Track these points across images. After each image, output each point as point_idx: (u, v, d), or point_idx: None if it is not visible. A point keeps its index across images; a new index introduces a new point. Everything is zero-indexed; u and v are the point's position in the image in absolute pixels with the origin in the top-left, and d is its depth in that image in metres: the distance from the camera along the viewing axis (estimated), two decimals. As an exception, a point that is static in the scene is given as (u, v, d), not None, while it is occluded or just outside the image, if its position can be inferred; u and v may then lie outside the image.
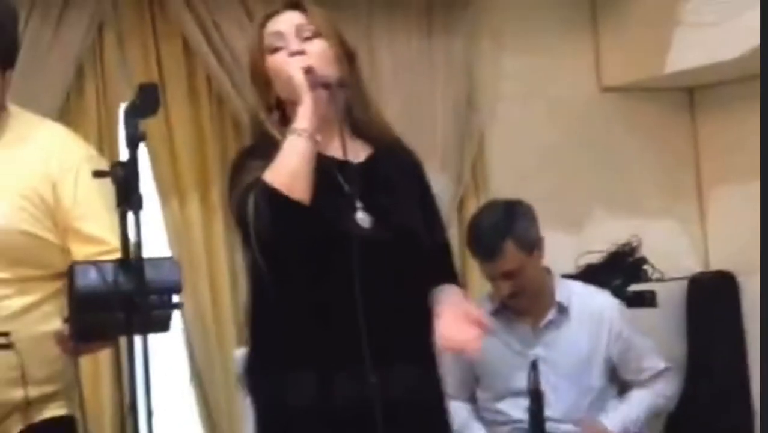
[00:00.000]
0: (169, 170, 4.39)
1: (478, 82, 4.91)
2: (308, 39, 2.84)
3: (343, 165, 2.84)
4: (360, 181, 2.84)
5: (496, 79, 4.97)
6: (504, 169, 4.91)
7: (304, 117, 2.75)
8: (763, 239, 1.65)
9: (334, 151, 2.84)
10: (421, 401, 2.83)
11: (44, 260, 2.88)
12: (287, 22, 2.88)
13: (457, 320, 2.76)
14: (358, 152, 2.89)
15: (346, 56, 2.90)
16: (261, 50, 2.89)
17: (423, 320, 2.83)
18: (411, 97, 4.74)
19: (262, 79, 2.89)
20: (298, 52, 2.82)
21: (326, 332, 2.76)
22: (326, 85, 2.79)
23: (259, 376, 2.90)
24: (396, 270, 2.79)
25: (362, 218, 2.80)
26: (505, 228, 3.98)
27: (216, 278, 4.40)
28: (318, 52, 2.83)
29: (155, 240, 4.33)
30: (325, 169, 2.80)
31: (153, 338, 2.42)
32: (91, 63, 4.32)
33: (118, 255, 2.40)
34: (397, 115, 4.58)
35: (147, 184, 4.36)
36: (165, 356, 4.42)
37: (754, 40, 4.67)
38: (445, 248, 3.02)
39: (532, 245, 4.02)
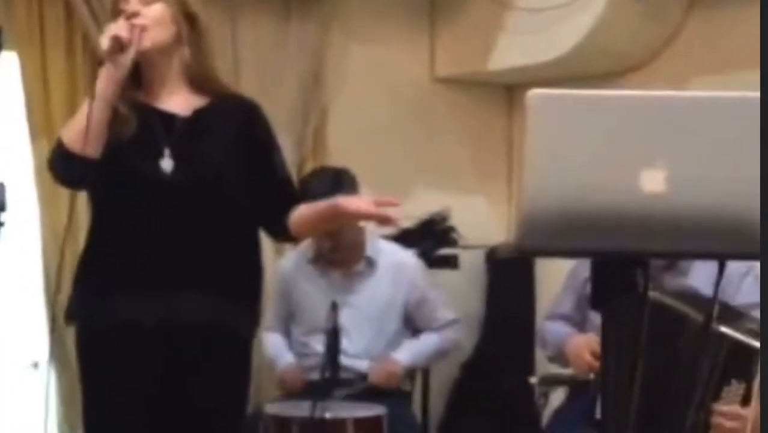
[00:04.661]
0: (41, 114, 4.34)
1: (326, 63, 4.91)
2: (149, 2, 2.82)
3: (166, 117, 2.85)
4: (180, 132, 2.84)
5: (342, 62, 4.98)
6: (342, 140, 4.91)
7: (98, 82, 2.73)
8: (763, 238, 1.73)
9: (165, 104, 2.86)
10: (215, 327, 2.84)
11: None
12: None
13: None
14: (192, 105, 2.88)
15: (188, 18, 2.87)
16: (112, 12, 2.87)
17: (225, 252, 2.84)
18: (266, 71, 4.77)
19: None
20: (133, 14, 2.79)
21: (127, 262, 2.80)
22: (143, 50, 2.77)
23: (77, 296, 2.91)
24: (198, 208, 2.81)
25: (166, 163, 2.82)
26: (331, 192, 4.03)
27: (74, 210, 4.35)
28: (153, 15, 2.80)
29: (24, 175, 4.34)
30: (147, 120, 2.82)
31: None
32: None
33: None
34: (252, 84, 4.65)
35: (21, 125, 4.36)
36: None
37: (564, 48, 4.79)
38: (286, 180, 3.01)
39: (352, 208, 4.08)
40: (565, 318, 3.57)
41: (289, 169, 3.10)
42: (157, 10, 2.82)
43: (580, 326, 3.49)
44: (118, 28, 2.75)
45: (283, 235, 2.98)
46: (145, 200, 2.79)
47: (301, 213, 2.92)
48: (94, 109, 2.70)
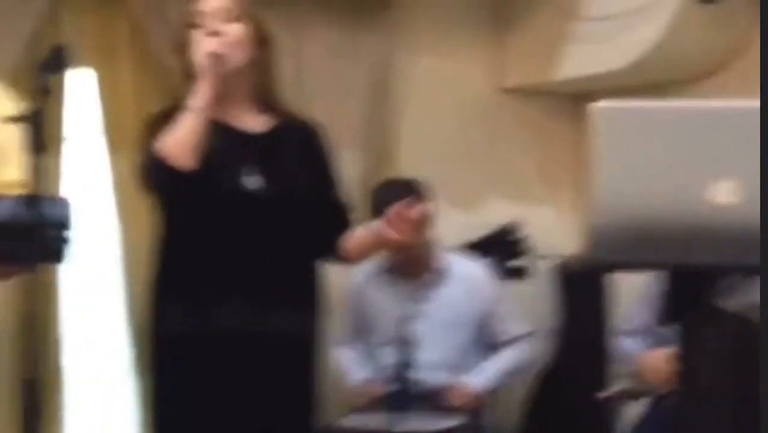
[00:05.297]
0: (117, 129, 4.37)
1: (393, 76, 4.91)
2: (227, 22, 2.85)
3: (244, 135, 2.90)
4: (256, 150, 2.90)
5: (410, 74, 4.96)
6: (411, 152, 4.89)
7: (198, 96, 2.78)
8: (763, 237, 1.71)
9: (239, 122, 2.91)
10: (292, 338, 2.90)
11: None
12: (211, 3, 2.89)
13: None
14: (261, 124, 2.94)
15: (261, 40, 2.91)
16: (186, 26, 2.91)
17: (301, 266, 2.92)
18: (334, 84, 4.79)
19: (183, 52, 2.91)
20: (214, 33, 2.83)
21: (210, 272, 2.84)
22: (229, 69, 2.81)
23: (164, 306, 2.94)
24: (279, 224, 2.87)
25: (250, 180, 2.87)
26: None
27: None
28: (232, 35, 2.84)
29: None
30: (226, 137, 2.86)
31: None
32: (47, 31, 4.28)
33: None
34: (318, 98, 4.66)
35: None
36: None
37: (633, 56, 4.74)
38: (340, 202, 3.04)
39: (426, 219, 4.09)
40: (640, 333, 3.51)
41: (346, 195, 3.11)
42: (238, 30, 2.85)
43: (656, 339, 3.43)
44: (211, 44, 2.78)
45: (333, 257, 3.00)
46: (233, 214, 2.83)
47: (354, 238, 2.97)
48: (194, 121, 2.75)
